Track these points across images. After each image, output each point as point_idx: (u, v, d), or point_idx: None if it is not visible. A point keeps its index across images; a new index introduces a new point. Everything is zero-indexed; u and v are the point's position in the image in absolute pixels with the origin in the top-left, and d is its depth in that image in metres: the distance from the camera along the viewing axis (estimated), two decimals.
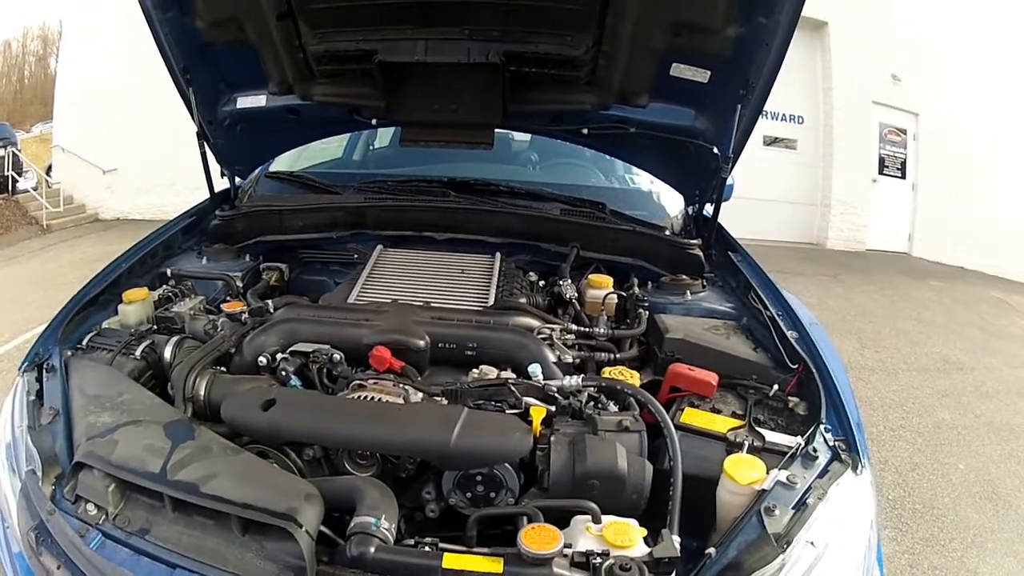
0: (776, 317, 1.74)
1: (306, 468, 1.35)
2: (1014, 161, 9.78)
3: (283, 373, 1.50)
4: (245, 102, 2.20)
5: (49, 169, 11.03)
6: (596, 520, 1.15)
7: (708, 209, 2.26)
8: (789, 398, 1.54)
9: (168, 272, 2.05)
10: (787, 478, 1.23)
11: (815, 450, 1.31)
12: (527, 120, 2.20)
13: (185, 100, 2.15)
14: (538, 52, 1.84)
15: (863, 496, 1.29)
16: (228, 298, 1.99)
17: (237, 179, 2.48)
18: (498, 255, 2.12)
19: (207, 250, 2.24)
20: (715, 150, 2.02)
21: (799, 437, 1.35)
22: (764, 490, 1.21)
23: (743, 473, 1.24)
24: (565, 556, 1.07)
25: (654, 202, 2.55)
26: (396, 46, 1.86)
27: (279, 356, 1.54)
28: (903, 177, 10.40)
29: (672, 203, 2.50)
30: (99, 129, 10.12)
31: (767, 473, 1.24)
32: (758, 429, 1.41)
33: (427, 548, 1.13)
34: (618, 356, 1.71)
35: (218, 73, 2.15)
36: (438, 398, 1.44)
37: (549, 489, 1.26)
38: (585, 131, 2.13)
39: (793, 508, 1.19)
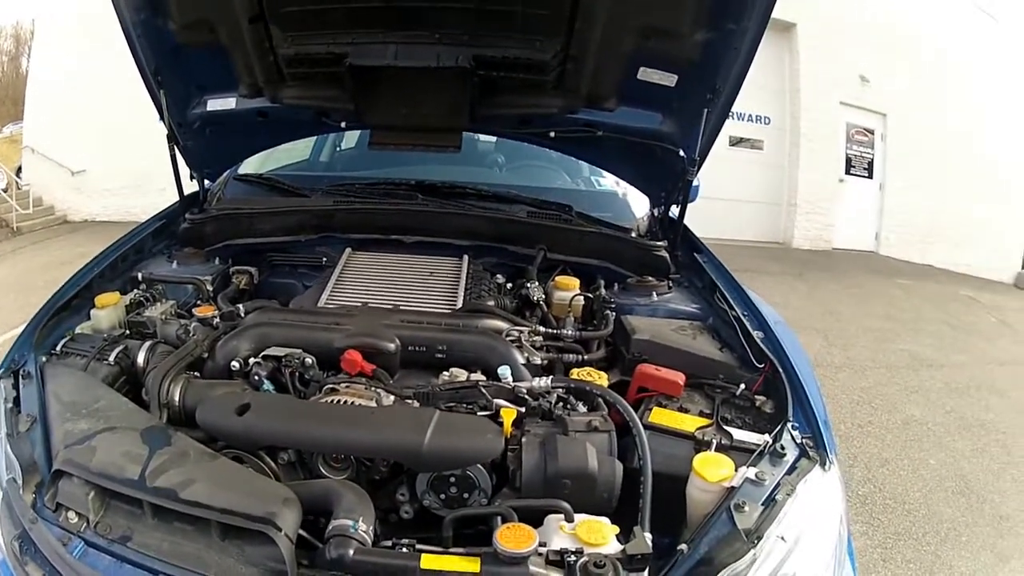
0: (742, 317, 1.77)
1: (281, 472, 1.36)
2: (981, 160, 10.03)
3: (256, 378, 1.51)
4: (215, 104, 2.19)
5: (19, 170, 10.72)
6: (569, 519, 1.17)
7: (674, 211, 2.30)
8: (756, 396, 1.57)
9: (139, 276, 2.03)
10: (756, 475, 1.26)
11: (783, 447, 1.33)
12: (494, 123, 2.22)
13: (156, 102, 2.13)
14: (507, 56, 1.85)
15: (832, 491, 1.33)
16: (199, 302, 1.99)
17: (206, 182, 2.46)
18: (466, 257, 2.13)
19: (177, 254, 2.23)
20: (681, 153, 2.06)
21: (767, 435, 1.38)
22: (733, 487, 1.24)
23: (712, 471, 1.27)
24: (540, 554, 1.09)
25: (620, 204, 2.58)
26: (367, 50, 1.86)
27: (251, 361, 1.54)
28: (870, 177, 10.56)
29: (638, 205, 2.53)
30: (69, 130, 9.91)
31: (735, 471, 1.27)
32: (725, 428, 1.44)
33: (404, 549, 1.14)
34: (586, 357, 1.74)
35: (189, 75, 2.13)
36: (410, 401, 1.45)
37: (522, 489, 1.29)
38: (552, 135, 2.14)
39: (762, 504, 1.22)
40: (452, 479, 1.29)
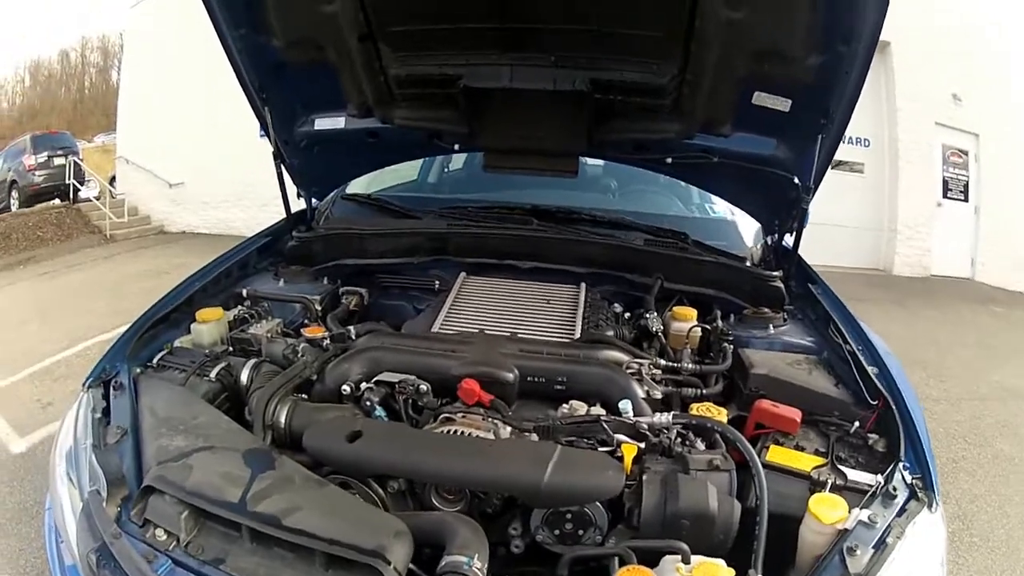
0: (856, 352, 1.69)
1: (390, 501, 1.34)
2: None
3: (368, 403, 1.48)
4: (323, 123, 2.22)
5: (112, 180, 11.38)
6: (686, 560, 1.13)
7: (787, 240, 2.20)
8: (868, 435, 1.51)
9: (244, 292, 2.06)
10: (868, 517, 1.22)
11: (895, 488, 1.30)
12: (610, 148, 2.16)
13: (260, 119, 2.17)
14: (624, 80, 1.82)
15: (936, 533, 1.29)
16: (307, 322, 1.99)
17: (313, 200, 2.50)
18: (583, 285, 2.08)
19: (283, 271, 2.25)
20: (796, 180, 1.98)
21: (879, 476, 1.34)
22: (846, 529, 1.21)
23: (827, 513, 1.23)
24: None
25: (733, 232, 2.49)
26: (481, 71, 1.85)
27: (363, 385, 1.51)
28: (966, 200, 10.02)
29: (749, 233, 2.45)
30: (164, 142, 10.42)
31: (849, 512, 1.24)
32: (840, 467, 1.39)
33: None
34: (704, 392, 1.67)
35: (295, 93, 2.15)
36: (529, 434, 1.41)
37: (640, 528, 1.24)
38: (669, 160, 2.09)
39: (873, 547, 1.18)
40: (568, 515, 1.25)
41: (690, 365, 1.72)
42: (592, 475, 1.26)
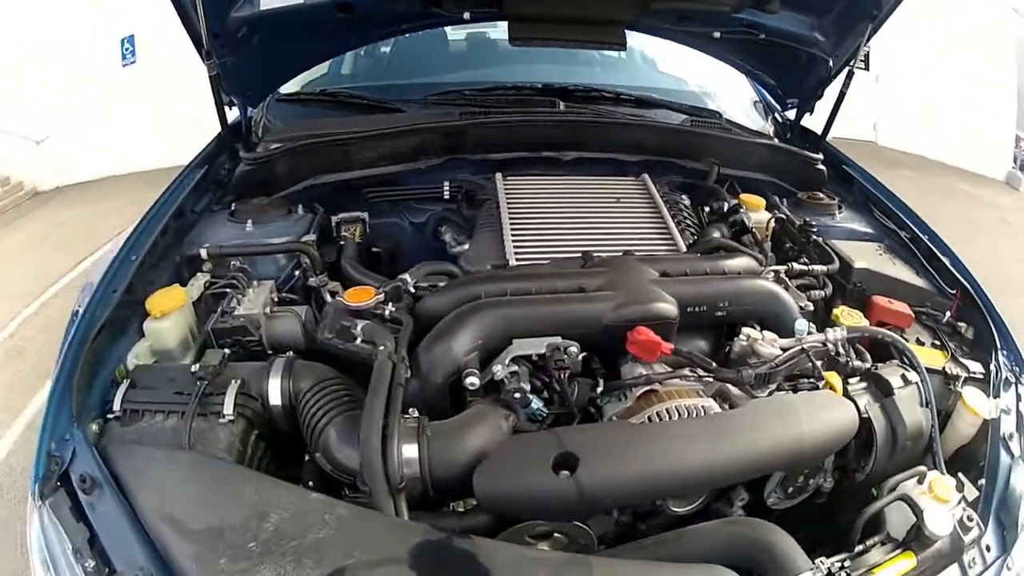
0: (920, 238, 1.71)
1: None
2: (969, 59, 10.39)
3: (517, 395, 1.07)
4: (271, 1, 1.57)
5: None
6: (920, 481, 1.10)
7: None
8: (958, 324, 1.53)
9: (202, 253, 1.40)
10: (1005, 407, 1.27)
11: (1010, 376, 1.34)
12: (657, 18, 1.85)
13: (183, 7, 1.52)
14: None
15: None
16: (310, 275, 1.44)
17: (249, 109, 1.85)
18: (646, 177, 1.80)
19: (242, 209, 1.59)
20: (830, 62, 1.90)
21: (988, 365, 1.37)
22: (992, 420, 1.25)
23: (981, 405, 1.28)
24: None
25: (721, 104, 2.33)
26: None
27: (496, 369, 1.08)
28: (867, 69, 10.91)
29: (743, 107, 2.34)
30: (27, 97, 7.43)
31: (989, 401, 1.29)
32: (961, 360, 1.41)
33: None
34: (828, 293, 1.58)
35: None
36: (748, 386, 1.17)
37: (875, 459, 1.17)
38: (717, 35, 1.85)
39: (1017, 431, 1.24)
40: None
41: (818, 267, 1.59)
42: (836, 420, 1.13)
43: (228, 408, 1.04)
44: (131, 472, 0.93)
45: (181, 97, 6.89)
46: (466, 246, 1.56)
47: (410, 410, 1.03)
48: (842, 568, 0.95)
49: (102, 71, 6.78)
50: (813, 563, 0.92)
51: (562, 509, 0.94)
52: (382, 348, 1.08)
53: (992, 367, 1.35)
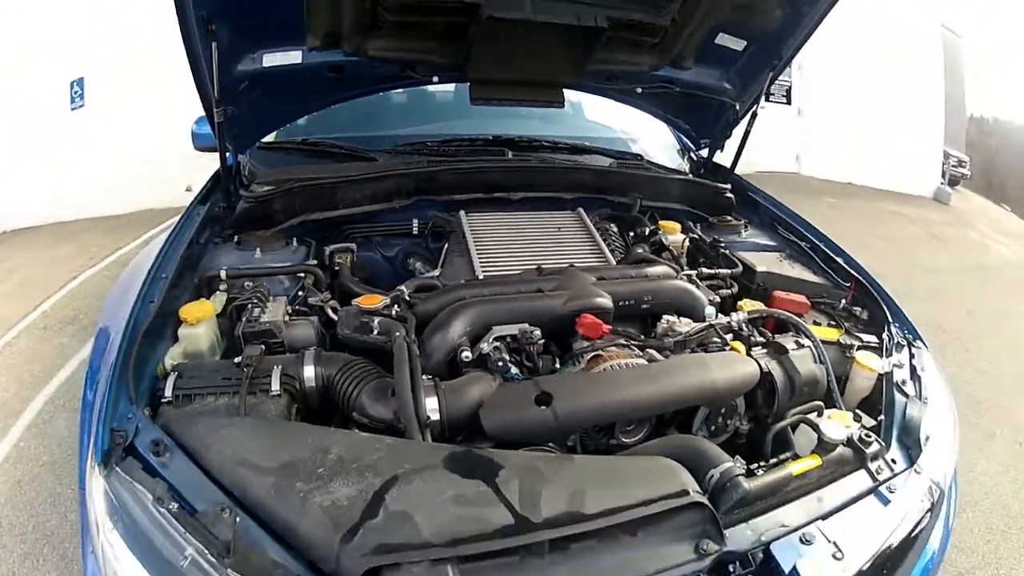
0: (817, 245, 2.13)
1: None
2: (889, 85, 10.96)
3: (500, 363, 1.39)
4: (273, 59, 1.88)
5: None
6: (820, 414, 1.46)
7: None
8: (853, 308, 1.91)
9: (221, 274, 1.67)
10: (896, 362, 1.63)
11: (900, 340, 1.71)
12: (589, 78, 2.23)
13: (196, 60, 1.75)
14: (633, 19, 1.91)
15: (936, 366, 1.73)
16: (313, 293, 1.71)
17: (240, 156, 2.13)
18: (580, 211, 2.18)
19: (248, 239, 1.88)
20: (736, 106, 2.34)
21: (874, 337, 1.73)
22: (887, 374, 1.60)
23: (872, 363, 1.63)
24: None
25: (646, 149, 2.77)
26: (503, 1, 1.76)
27: (486, 346, 1.42)
28: (789, 103, 10.89)
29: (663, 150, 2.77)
30: None
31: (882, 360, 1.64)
32: (856, 334, 1.78)
33: (763, 470, 1.26)
34: (734, 292, 1.96)
35: (246, 24, 1.76)
36: (667, 351, 1.56)
37: (778, 401, 1.51)
38: (639, 90, 2.27)
39: (911, 379, 1.59)
40: (723, 409, 1.48)
41: (724, 270, 1.98)
42: (741, 370, 1.48)
43: (275, 385, 1.28)
44: (196, 438, 1.11)
45: (128, 142, 6.89)
46: (436, 272, 1.87)
47: (424, 376, 1.33)
48: (759, 467, 1.28)
49: (51, 114, 6.68)
50: (732, 458, 1.23)
51: (543, 432, 1.26)
52: (398, 335, 1.38)
53: (884, 336, 1.71)
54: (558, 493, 1.04)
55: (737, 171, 2.54)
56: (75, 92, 6.75)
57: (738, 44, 2.16)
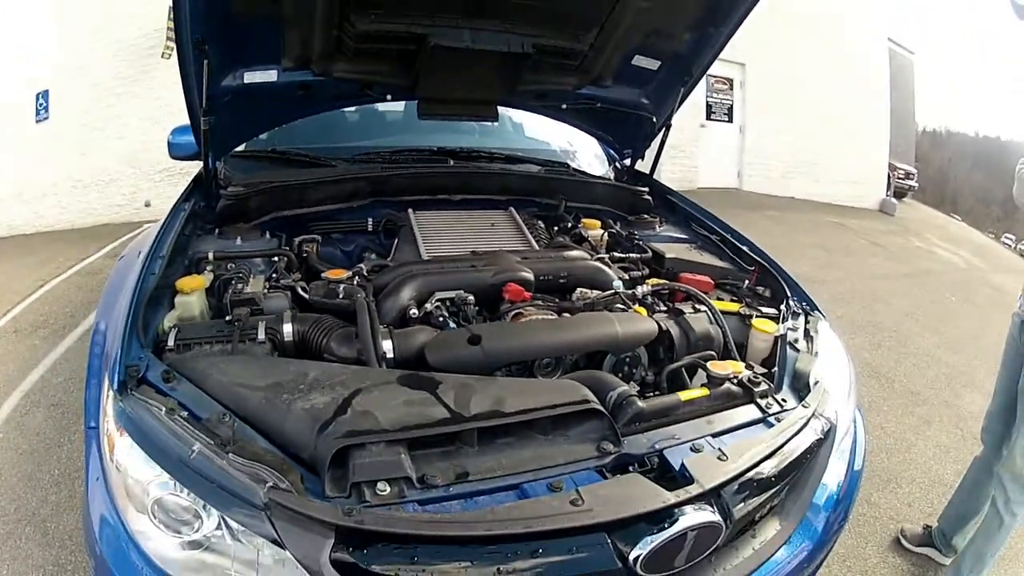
0: (726, 237, 2.49)
1: None
2: (829, 102, 11.46)
3: (441, 319, 1.72)
4: (253, 77, 2.20)
5: None
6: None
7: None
8: (756, 287, 2.19)
9: (210, 255, 1.97)
10: (791, 326, 1.88)
11: (796, 310, 1.98)
12: (520, 97, 2.60)
13: (188, 75, 2.03)
14: (556, 45, 2.28)
15: (832, 332, 1.96)
16: (284, 276, 1.99)
17: (218, 163, 2.42)
18: (511, 209, 2.52)
19: (228, 230, 2.18)
20: (654, 119, 2.74)
21: (775, 310, 1.98)
22: (781, 335, 1.83)
23: (767, 327, 1.87)
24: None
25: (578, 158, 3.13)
26: (446, 33, 2.11)
27: (427, 306, 1.75)
28: (730, 121, 11.58)
29: (592, 159, 3.16)
30: None
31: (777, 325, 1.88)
32: (755, 307, 2.02)
33: (666, 396, 1.54)
34: (645, 273, 2.31)
35: (233, 46, 2.07)
36: (578, 312, 1.88)
37: (675, 353, 1.78)
38: (564, 106, 2.67)
39: (804, 339, 1.85)
40: (627, 359, 1.77)
41: (637, 256, 2.34)
42: (641, 325, 1.80)
43: (261, 335, 1.56)
44: (197, 371, 1.38)
45: (90, 157, 7.02)
46: (388, 260, 2.17)
47: (380, 326, 1.62)
48: (654, 394, 1.60)
49: (16, 126, 6.76)
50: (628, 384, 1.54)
51: (474, 365, 1.53)
52: (359, 295, 1.69)
53: (782, 308, 1.95)
54: (484, 399, 1.32)
55: (678, 188, 2.93)
56: (40, 104, 6.83)
57: (652, 64, 2.55)
